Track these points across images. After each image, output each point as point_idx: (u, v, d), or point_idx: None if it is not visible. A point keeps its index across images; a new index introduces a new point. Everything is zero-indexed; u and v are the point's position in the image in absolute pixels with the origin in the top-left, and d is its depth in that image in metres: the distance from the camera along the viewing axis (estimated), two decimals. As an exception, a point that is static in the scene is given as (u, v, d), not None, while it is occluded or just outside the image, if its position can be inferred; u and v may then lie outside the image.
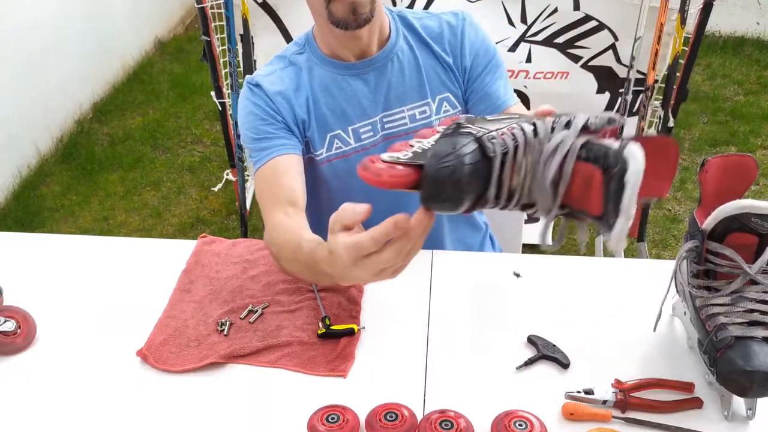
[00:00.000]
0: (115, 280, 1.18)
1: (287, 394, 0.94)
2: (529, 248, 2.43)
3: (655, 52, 2.05)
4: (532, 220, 2.30)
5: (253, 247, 1.24)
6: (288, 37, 2.15)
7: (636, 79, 2.15)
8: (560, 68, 2.20)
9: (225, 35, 2.15)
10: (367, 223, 0.72)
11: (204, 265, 1.21)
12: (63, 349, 1.03)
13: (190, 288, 1.15)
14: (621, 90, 2.20)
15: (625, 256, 2.41)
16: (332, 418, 0.86)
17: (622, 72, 2.18)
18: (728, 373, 0.85)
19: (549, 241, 0.74)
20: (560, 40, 2.14)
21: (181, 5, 4.74)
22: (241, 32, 2.11)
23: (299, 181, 1.14)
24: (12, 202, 2.92)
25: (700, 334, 0.92)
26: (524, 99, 2.20)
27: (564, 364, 0.97)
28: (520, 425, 0.84)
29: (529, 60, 2.18)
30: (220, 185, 2.96)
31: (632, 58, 2.11)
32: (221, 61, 2.23)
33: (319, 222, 1.37)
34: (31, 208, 2.87)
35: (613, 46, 2.14)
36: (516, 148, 0.66)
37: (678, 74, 2.04)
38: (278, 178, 1.13)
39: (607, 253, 2.47)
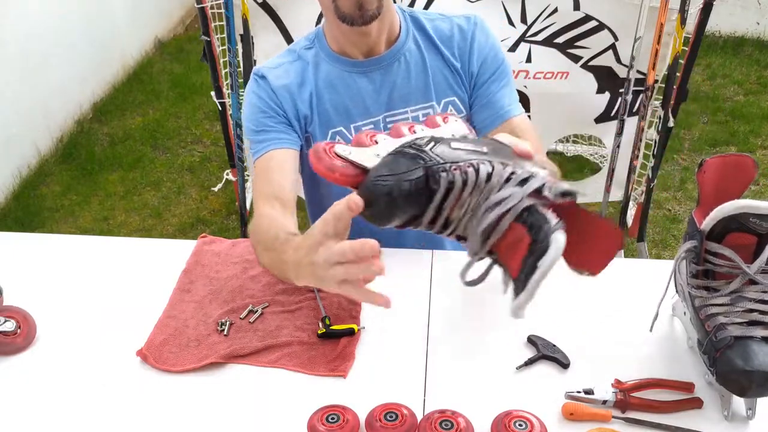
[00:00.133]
0: (115, 280, 1.18)
1: (287, 394, 0.94)
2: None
3: (655, 52, 2.05)
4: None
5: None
6: (288, 37, 2.15)
7: (636, 79, 2.15)
8: (560, 68, 2.20)
9: (225, 35, 2.15)
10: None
11: (204, 265, 1.21)
12: (63, 349, 1.03)
13: (190, 288, 1.15)
14: (621, 90, 2.20)
15: (625, 256, 2.41)
16: (332, 418, 0.86)
17: (622, 72, 2.18)
18: (728, 373, 0.85)
19: (467, 278, 0.74)
20: (560, 40, 2.14)
21: (181, 5, 4.74)
22: (241, 32, 2.12)
23: (289, 178, 1.15)
24: (12, 202, 2.92)
25: (699, 334, 0.92)
26: (524, 99, 2.20)
27: (564, 364, 0.97)
28: (520, 425, 0.84)
29: (529, 60, 2.18)
30: (220, 185, 2.97)
31: (632, 58, 2.11)
32: (221, 61, 2.23)
33: (319, 215, 1.37)
34: (31, 208, 2.87)
35: (613, 46, 2.14)
36: (464, 185, 0.67)
37: (678, 74, 2.04)
38: (269, 173, 1.15)
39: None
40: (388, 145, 0.73)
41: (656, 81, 2.13)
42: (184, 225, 2.79)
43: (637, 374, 0.94)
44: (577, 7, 2.07)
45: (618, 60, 2.17)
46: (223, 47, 2.19)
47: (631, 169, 2.29)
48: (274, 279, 1.15)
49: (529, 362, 0.98)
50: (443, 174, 0.66)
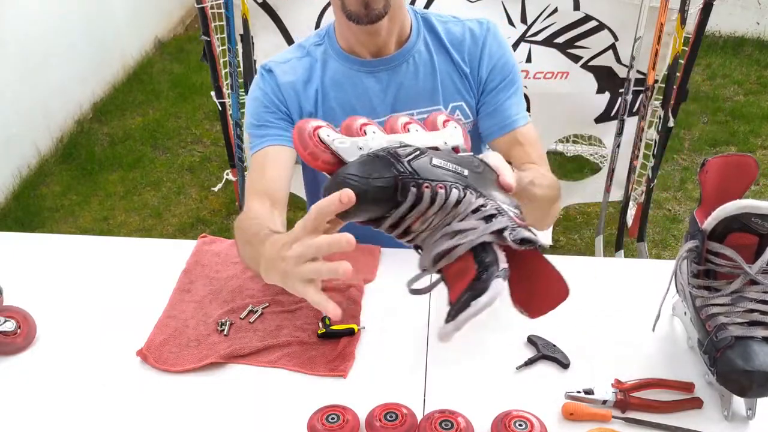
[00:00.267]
0: (115, 280, 1.18)
1: (287, 394, 0.94)
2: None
3: (655, 52, 2.05)
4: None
5: (253, 247, 1.24)
6: (288, 37, 2.15)
7: (636, 79, 2.15)
8: (560, 68, 2.20)
9: (225, 35, 2.15)
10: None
11: (204, 265, 1.21)
12: (63, 349, 1.03)
13: (190, 288, 1.15)
14: (621, 90, 2.20)
15: (625, 256, 2.41)
16: (332, 418, 0.86)
17: (622, 72, 2.18)
18: (728, 373, 0.85)
19: (413, 286, 0.76)
20: (560, 40, 2.14)
21: (181, 5, 4.74)
22: (241, 32, 2.11)
23: (284, 175, 1.15)
24: (12, 202, 2.92)
25: (700, 334, 0.92)
26: (524, 99, 2.19)
27: (564, 364, 0.97)
28: (520, 425, 0.84)
29: (529, 60, 2.18)
30: (220, 185, 2.97)
31: (632, 58, 2.11)
32: (221, 61, 2.23)
33: None
34: (31, 208, 2.87)
35: (613, 46, 2.14)
36: (431, 204, 0.68)
37: (678, 74, 2.04)
38: (264, 169, 1.15)
39: (607, 253, 2.47)
40: (376, 139, 0.73)
41: (656, 81, 2.12)
42: (184, 225, 2.79)
43: (637, 374, 0.94)
44: (577, 7, 2.07)
45: (618, 60, 2.17)
46: (223, 47, 2.19)
47: (631, 169, 2.29)
48: (274, 279, 1.15)
49: (529, 362, 0.98)
50: (413, 189, 0.67)
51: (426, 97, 1.20)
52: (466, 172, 0.73)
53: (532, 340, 1.01)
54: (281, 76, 1.19)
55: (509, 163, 0.95)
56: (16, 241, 1.34)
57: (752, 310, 0.87)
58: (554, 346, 0.99)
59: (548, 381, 0.95)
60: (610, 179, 2.35)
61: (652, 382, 0.92)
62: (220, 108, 2.30)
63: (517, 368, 0.97)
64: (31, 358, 1.02)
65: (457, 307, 0.67)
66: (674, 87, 2.06)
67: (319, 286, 0.73)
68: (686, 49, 2.01)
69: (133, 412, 0.92)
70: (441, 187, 0.69)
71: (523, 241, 0.69)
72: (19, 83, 3.02)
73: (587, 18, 2.08)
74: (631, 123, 2.23)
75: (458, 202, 0.69)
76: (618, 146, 2.26)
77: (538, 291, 0.74)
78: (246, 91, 2.16)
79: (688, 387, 0.92)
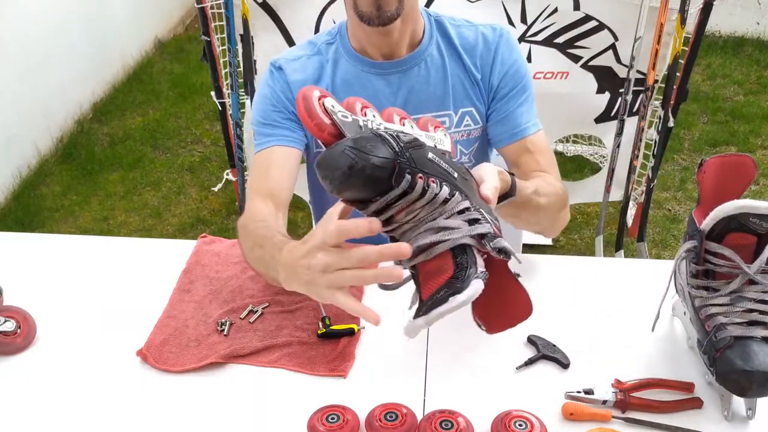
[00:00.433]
0: (115, 280, 1.18)
1: (287, 394, 0.94)
2: (529, 248, 2.43)
3: (655, 52, 2.05)
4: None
5: (253, 247, 1.24)
6: (288, 37, 2.15)
7: (636, 79, 2.15)
8: (560, 68, 2.20)
9: (225, 35, 2.15)
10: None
11: (204, 265, 1.21)
12: (63, 349, 1.03)
13: (190, 288, 1.15)
14: (621, 90, 2.20)
15: (625, 256, 2.41)
16: (332, 418, 0.86)
17: (622, 72, 2.18)
18: (728, 373, 0.85)
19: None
20: (560, 40, 2.14)
21: (181, 5, 4.74)
22: (241, 32, 2.11)
23: (288, 178, 1.14)
24: (12, 202, 2.92)
25: (699, 334, 0.92)
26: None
27: (564, 364, 0.97)
28: (520, 425, 0.84)
29: (529, 60, 2.17)
30: (220, 185, 2.97)
31: (632, 58, 2.11)
32: (221, 61, 2.23)
33: (321, 215, 1.37)
34: (31, 208, 2.87)
35: (613, 46, 2.14)
36: (421, 196, 0.68)
37: (678, 74, 2.04)
38: (269, 169, 1.14)
39: (607, 252, 2.47)
40: (375, 122, 0.73)
41: (656, 81, 2.12)
42: (184, 225, 2.79)
43: (637, 374, 0.94)
44: (577, 7, 2.07)
45: (618, 60, 2.17)
46: (223, 47, 2.19)
47: (631, 169, 2.29)
48: (274, 279, 1.15)
49: (529, 362, 0.98)
50: (408, 176, 0.67)
51: (436, 102, 1.19)
52: (456, 175, 0.73)
53: (532, 340, 1.01)
54: (291, 75, 1.18)
55: (512, 173, 0.96)
56: (16, 241, 1.35)
57: (751, 310, 0.87)
58: (554, 346, 1.00)
59: (548, 381, 0.95)
60: (610, 179, 2.35)
61: (652, 382, 0.92)
62: (220, 108, 2.30)
63: (517, 368, 0.97)
64: (31, 358, 1.02)
65: (430, 303, 0.67)
66: (674, 87, 2.06)
67: (348, 292, 0.73)
68: (686, 49, 2.01)
69: (133, 412, 0.92)
70: (433, 181, 0.69)
71: (501, 250, 0.70)
72: (19, 83, 3.02)
73: (587, 18, 2.08)
74: (631, 123, 2.23)
75: (446, 200, 0.70)
76: (618, 146, 2.26)
77: (500, 307, 0.75)
78: (246, 91, 2.16)
79: (688, 387, 0.92)
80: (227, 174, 2.86)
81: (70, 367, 1.00)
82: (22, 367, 1.00)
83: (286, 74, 1.18)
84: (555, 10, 2.07)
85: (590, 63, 2.18)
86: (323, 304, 1.08)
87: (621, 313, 1.07)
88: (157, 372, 0.98)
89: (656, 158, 2.19)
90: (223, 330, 1.05)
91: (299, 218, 2.63)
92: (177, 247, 1.27)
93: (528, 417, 0.86)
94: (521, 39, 2.13)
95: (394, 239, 0.73)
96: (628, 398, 0.89)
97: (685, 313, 0.98)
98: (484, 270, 0.69)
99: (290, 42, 2.14)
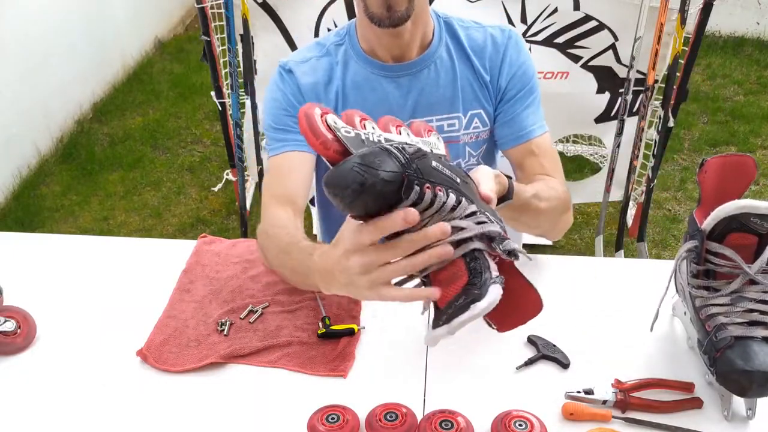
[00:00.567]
0: (115, 280, 1.18)
1: (287, 394, 0.94)
2: (529, 248, 2.43)
3: (655, 52, 2.05)
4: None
5: (253, 247, 1.24)
6: (288, 37, 2.15)
7: (636, 79, 2.15)
8: (560, 68, 2.20)
9: (225, 35, 2.15)
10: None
11: (204, 265, 1.21)
12: (63, 349, 1.03)
13: (190, 288, 1.15)
14: (621, 90, 2.20)
15: (625, 256, 2.41)
16: (332, 418, 0.86)
17: (622, 72, 2.18)
18: (728, 373, 0.85)
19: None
20: (560, 40, 2.14)
21: (181, 5, 4.74)
22: (241, 32, 2.11)
23: (304, 184, 1.14)
24: (12, 202, 2.92)
25: (699, 334, 0.92)
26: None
27: (564, 364, 0.97)
28: (520, 425, 0.84)
29: (529, 60, 2.17)
30: (220, 185, 2.97)
31: (632, 58, 2.11)
32: (221, 61, 2.23)
33: (327, 217, 1.36)
34: (31, 208, 2.87)
35: (613, 46, 2.14)
36: (430, 205, 0.68)
37: (678, 74, 2.04)
38: (285, 175, 1.14)
39: (607, 253, 2.47)
40: (375, 134, 0.73)
41: (656, 81, 2.12)
42: (184, 225, 2.79)
43: (637, 374, 0.94)
44: (577, 7, 2.07)
45: (618, 60, 2.17)
46: (223, 47, 2.19)
47: (631, 169, 2.29)
48: (274, 279, 1.15)
49: (529, 362, 0.98)
50: (416, 187, 0.67)
51: (446, 104, 1.18)
52: (458, 180, 0.73)
53: (532, 340, 1.01)
54: (302, 77, 1.16)
55: (509, 176, 0.96)
56: (16, 241, 1.35)
57: (752, 310, 0.87)
58: (554, 346, 1.00)
59: (548, 381, 0.95)
60: (610, 179, 2.35)
61: (652, 382, 0.92)
62: (220, 108, 2.30)
63: (517, 368, 0.97)
64: (31, 358, 1.02)
65: (451, 311, 0.67)
66: (674, 87, 2.06)
67: (391, 284, 0.73)
68: (686, 49, 2.01)
69: (133, 412, 0.92)
70: (440, 190, 0.69)
71: (510, 252, 0.70)
72: (19, 83, 3.02)
73: (587, 18, 2.08)
74: (631, 123, 2.23)
75: (454, 207, 0.70)
76: (618, 146, 2.26)
77: (511, 307, 0.74)
78: (246, 92, 2.16)
79: (688, 387, 0.92)
80: (227, 174, 2.86)
81: (70, 367, 1.00)
82: (22, 367, 1.00)
83: (296, 77, 1.16)
84: (555, 10, 2.07)
85: (590, 63, 2.18)
86: (323, 304, 1.08)
87: (621, 313, 1.07)
88: (157, 372, 0.98)
89: (656, 158, 2.19)
90: (223, 330, 1.05)
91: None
92: (177, 247, 1.27)
93: (528, 417, 0.86)
94: (521, 39, 2.13)
95: None
96: (628, 398, 0.89)
97: (685, 313, 0.98)
98: (499, 274, 0.69)
99: (290, 42, 2.14)
